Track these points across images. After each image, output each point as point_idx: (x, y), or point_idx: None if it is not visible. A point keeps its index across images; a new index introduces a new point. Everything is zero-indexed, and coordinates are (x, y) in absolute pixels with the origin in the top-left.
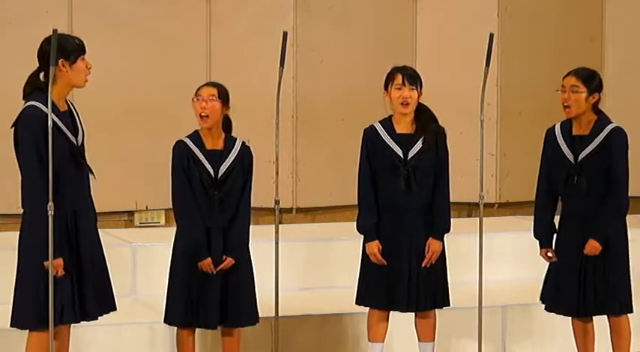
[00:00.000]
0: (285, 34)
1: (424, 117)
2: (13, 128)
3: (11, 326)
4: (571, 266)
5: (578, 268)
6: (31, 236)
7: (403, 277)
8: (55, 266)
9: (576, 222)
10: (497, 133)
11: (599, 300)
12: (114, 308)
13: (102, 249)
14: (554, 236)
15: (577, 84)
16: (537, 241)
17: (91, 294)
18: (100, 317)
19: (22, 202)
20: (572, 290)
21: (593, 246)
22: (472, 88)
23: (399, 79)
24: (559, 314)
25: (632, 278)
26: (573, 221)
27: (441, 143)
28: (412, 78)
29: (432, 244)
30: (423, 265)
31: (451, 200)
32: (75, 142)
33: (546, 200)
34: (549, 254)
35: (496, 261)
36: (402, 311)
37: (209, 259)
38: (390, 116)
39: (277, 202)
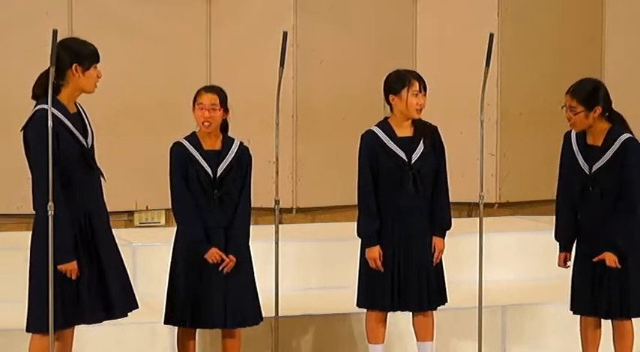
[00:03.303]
0: (285, 34)
1: (418, 119)
2: (22, 131)
3: (27, 331)
4: (588, 271)
5: (594, 273)
6: (43, 238)
7: (412, 278)
8: (69, 268)
9: (592, 232)
10: (497, 133)
11: (615, 303)
12: (136, 306)
13: (118, 247)
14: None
15: (573, 105)
16: (541, 242)
17: (115, 294)
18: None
19: (34, 205)
20: (589, 292)
21: (609, 259)
22: (472, 88)
23: (416, 85)
24: (581, 315)
25: None
26: (589, 231)
27: (438, 142)
28: (425, 85)
29: (438, 243)
30: (434, 264)
31: (451, 200)
32: (85, 144)
33: (566, 203)
34: (567, 258)
35: (496, 261)
36: (412, 312)
37: (213, 249)
38: (386, 119)
39: (277, 202)
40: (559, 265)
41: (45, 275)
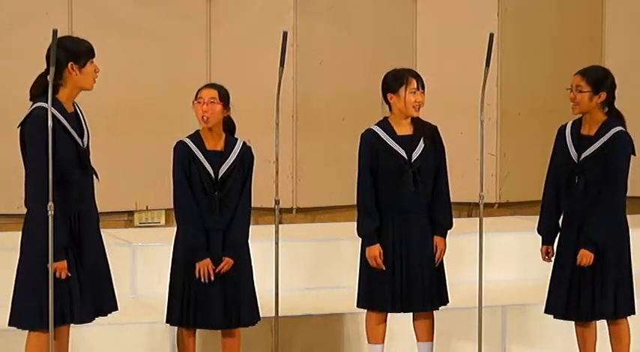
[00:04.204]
0: (285, 34)
1: (417, 118)
2: (19, 128)
3: (10, 324)
4: (567, 268)
5: (572, 272)
6: (34, 235)
7: (413, 277)
8: (59, 268)
9: (573, 226)
10: (497, 133)
11: (595, 305)
12: (115, 308)
13: (104, 248)
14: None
15: (581, 83)
16: (539, 238)
17: (93, 295)
18: (99, 317)
19: (26, 201)
20: (565, 295)
21: (584, 256)
22: (472, 88)
23: (414, 83)
24: (552, 315)
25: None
26: (571, 224)
27: (438, 141)
28: (423, 83)
29: (439, 242)
30: (437, 264)
31: (451, 200)
32: (81, 144)
33: (552, 196)
34: (549, 252)
35: (496, 261)
36: (414, 312)
37: (207, 260)
38: (386, 118)
39: (277, 202)
40: (543, 259)
41: (34, 272)
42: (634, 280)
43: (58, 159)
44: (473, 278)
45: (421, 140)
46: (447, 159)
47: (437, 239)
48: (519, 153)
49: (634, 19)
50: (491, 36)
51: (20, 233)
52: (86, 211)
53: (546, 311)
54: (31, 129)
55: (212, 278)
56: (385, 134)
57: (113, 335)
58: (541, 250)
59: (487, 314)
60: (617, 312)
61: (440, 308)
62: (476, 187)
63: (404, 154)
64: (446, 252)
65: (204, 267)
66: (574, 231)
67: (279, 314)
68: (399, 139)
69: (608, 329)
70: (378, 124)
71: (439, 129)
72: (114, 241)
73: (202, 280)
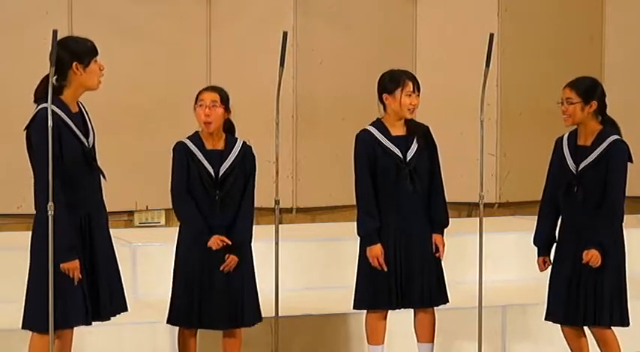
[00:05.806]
0: (284, 34)
1: (410, 119)
2: (25, 131)
3: (23, 327)
4: (565, 275)
5: (570, 277)
6: (44, 238)
7: (414, 274)
8: (72, 267)
9: (573, 232)
10: (497, 133)
11: (589, 311)
12: (125, 309)
13: (114, 248)
14: (554, 245)
15: (570, 95)
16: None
17: (104, 296)
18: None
19: (36, 203)
20: (563, 299)
21: (592, 255)
22: (472, 88)
23: (410, 86)
24: (552, 322)
25: (632, 281)
26: (570, 231)
27: (430, 140)
28: (419, 85)
29: (439, 239)
30: (442, 258)
31: (451, 200)
32: (86, 144)
33: (549, 208)
34: (546, 262)
35: (496, 261)
36: (415, 308)
37: (215, 236)
38: (379, 119)
39: (277, 202)
40: (540, 270)
41: (45, 274)
42: (634, 283)
43: (65, 160)
44: (473, 279)
45: (414, 140)
46: (439, 157)
47: (436, 236)
48: (519, 153)
49: (634, 19)
50: (491, 36)
51: (25, 233)
52: (95, 211)
53: (547, 319)
54: (37, 132)
55: (228, 242)
56: (380, 134)
57: (113, 335)
58: (537, 261)
59: (487, 314)
60: (612, 321)
61: (440, 306)
62: (476, 187)
63: (399, 154)
64: (445, 252)
65: (215, 242)
66: (573, 239)
67: (279, 314)
68: (394, 139)
69: (594, 336)
70: (372, 125)
71: (431, 130)
72: (114, 241)
73: (220, 268)
